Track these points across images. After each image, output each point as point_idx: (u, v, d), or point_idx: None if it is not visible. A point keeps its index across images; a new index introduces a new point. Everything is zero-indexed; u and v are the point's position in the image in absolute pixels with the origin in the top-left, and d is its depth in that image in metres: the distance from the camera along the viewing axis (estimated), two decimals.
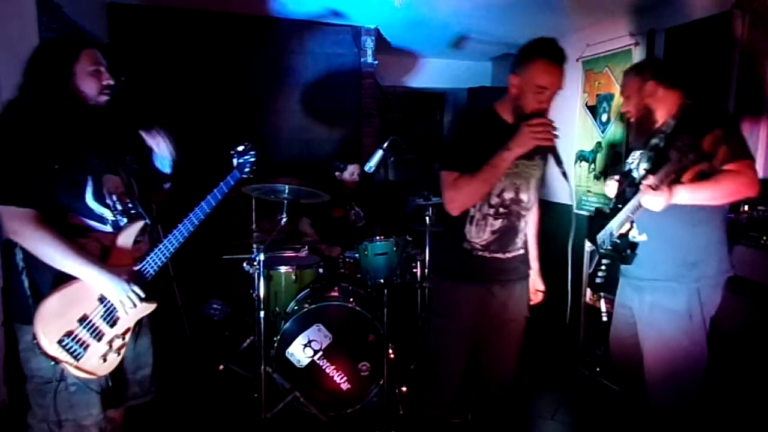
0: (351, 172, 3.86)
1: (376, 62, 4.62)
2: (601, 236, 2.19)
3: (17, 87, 1.70)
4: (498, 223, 2.05)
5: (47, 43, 1.83)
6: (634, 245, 2.06)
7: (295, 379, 2.97)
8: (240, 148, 2.19)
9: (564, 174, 1.91)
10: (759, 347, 2.45)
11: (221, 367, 3.37)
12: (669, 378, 2.02)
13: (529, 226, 2.23)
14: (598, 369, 2.26)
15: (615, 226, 2.10)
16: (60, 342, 1.62)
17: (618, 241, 2.08)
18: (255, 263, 3.07)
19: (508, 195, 2.05)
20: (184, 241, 1.90)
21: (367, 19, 4.41)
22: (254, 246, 3.15)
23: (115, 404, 1.85)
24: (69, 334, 1.63)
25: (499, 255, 2.09)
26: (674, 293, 2.00)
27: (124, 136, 1.94)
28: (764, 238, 2.00)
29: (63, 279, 1.64)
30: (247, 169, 2.18)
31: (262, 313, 3.00)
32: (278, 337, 2.99)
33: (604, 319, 2.16)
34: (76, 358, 1.64)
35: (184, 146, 2.07)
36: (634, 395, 2.20)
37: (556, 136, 1.88)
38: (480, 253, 2.07)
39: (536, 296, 2.34)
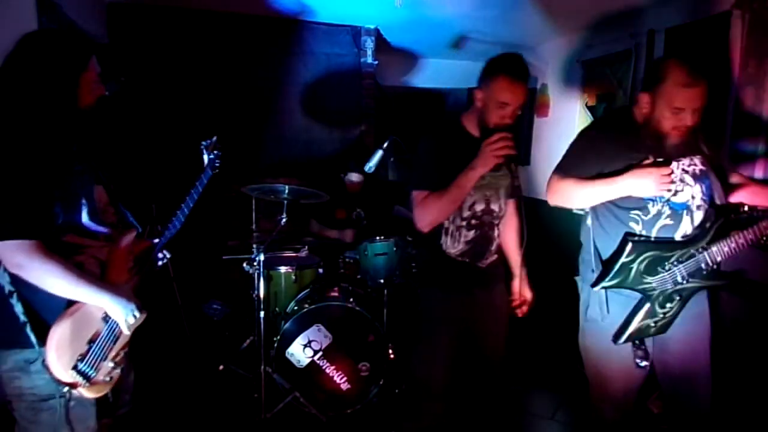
0: (351, 179, 3.89)
1: (376, 62, 4.62)
2: (680, 270, 1.86)
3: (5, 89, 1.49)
4: (471, 234, 2.12)
5: (52, 40, 1.55)
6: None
7: (295, 379, 2.97)
8: (208, 143, 1.98)
9: (518, 186, 2.07)
10: (759, 347, 2.46)
11: (221, 367, 3.37)
12: (710, 377, 1.98)
13: (509, 234, 2.31)
14: None
15: (711, 253, 1.85)
16: (75, 367, 1.55)
17: (716, 266, 1.87)
18: (255, 263, 3.07)
19: (480, 207, 2.12)
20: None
21: (367, 19, 4.41)
22: (254, 246, 3.15)
23: (108, 414, 1.78)
24: (82, 357, 1.57)
25: (477, 264, 2.16)
26: (704, 295, 1.98)
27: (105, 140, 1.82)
28: (764, 237, 2.00)
29: (64, 301, 1.55)
30: (217, 164, 1.97)
31: (262, 313, 3.00)
32: (278, 337, 2.99)
33: (644, 365, 1.89)
34: (89, 380, 1.58)
35: (183, 146, 2.04)
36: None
37: (515, 148, 1.93)
38: (461, 259, 2.14)
39: (523, 303, 2.30)
